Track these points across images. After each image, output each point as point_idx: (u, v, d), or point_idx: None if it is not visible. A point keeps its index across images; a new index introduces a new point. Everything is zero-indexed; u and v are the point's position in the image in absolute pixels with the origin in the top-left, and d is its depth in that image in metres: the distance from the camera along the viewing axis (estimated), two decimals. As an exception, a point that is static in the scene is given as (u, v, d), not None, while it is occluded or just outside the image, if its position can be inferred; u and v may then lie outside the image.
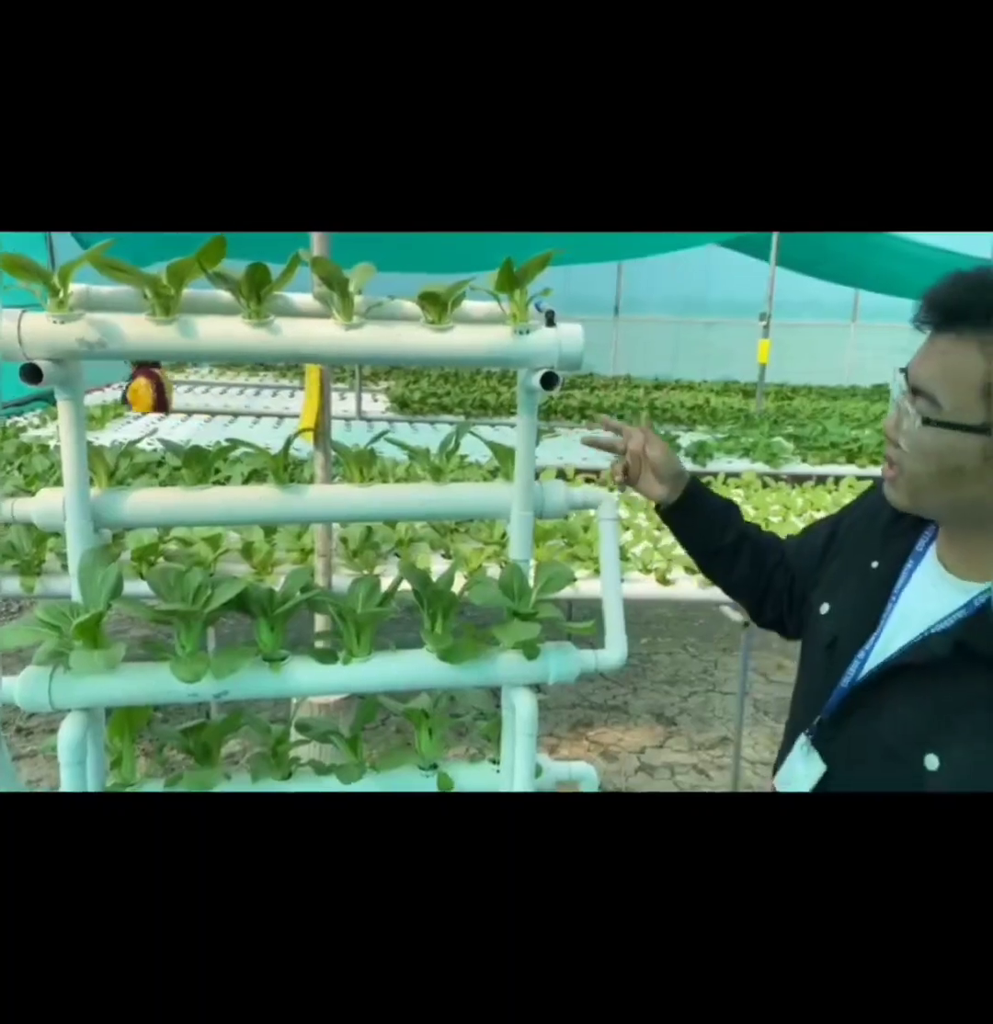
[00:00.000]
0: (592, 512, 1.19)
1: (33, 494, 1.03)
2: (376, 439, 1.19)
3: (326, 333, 0.99)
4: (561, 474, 3.42)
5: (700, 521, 1.13)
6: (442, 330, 1.02)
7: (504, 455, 1.16)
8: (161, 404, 4.85)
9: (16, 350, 0.91)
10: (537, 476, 1.14)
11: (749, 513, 3.10)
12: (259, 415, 5.13)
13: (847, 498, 3.49)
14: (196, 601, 1.00)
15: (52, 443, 3.39)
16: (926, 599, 0.88)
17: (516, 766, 1.09)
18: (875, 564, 0.95)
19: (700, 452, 4.15)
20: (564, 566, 1.14)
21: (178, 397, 5.72)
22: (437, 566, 2.39)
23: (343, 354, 1.02)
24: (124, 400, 4.83)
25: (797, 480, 3.89)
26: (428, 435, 4.51)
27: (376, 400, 5.84)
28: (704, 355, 8.61)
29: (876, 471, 4.03)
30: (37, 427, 4.18)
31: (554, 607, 1.09)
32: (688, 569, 2.66)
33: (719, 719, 3.56)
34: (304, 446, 2.57)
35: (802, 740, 0.97)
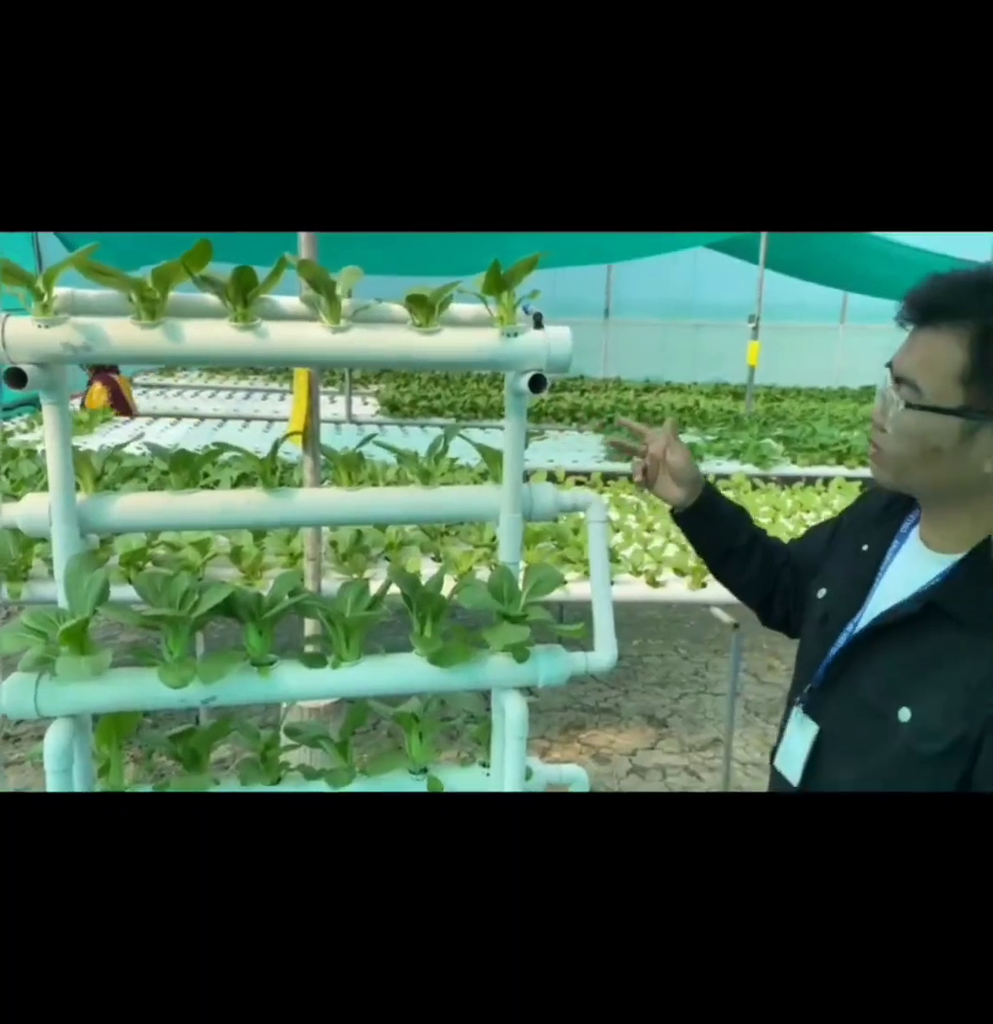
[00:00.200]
0: (582, 515, 1.19)
1: (19, 499, 1.03)
2: (364, 442, 1.19)
3: (313, 336, 0.99)
4: (551, 477, 3.42)
5: (714, 524, 1.19)
6: (429, 333, 1.02)
7: (492, 458, 1.16)
8: (122, 409, 4.86)
9: (0, 354, 0.90)
10: (527, 479, 1.14)
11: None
12: (248, 419, 5.11)
13: (836, 499, 3.51)
14: (183, 606, 0.99)
15: (39, 448, 3.37)
16: (907, 573, 0.96)
17: (506, 769, 1.09)
18: (865, 547, 1.03)
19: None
20: (553, 569, 1.13)
21: (167, 401, 5.71)
22: (427, 569, 2.39)
23: (330, 357, 1.02)
24: (82, 406, 4.84)
25: (786, 481, 3.91)
26: (419, 438, 4.51)
27: (366, 403, 5.83)
28: (694, 357, 8.63)
29: (865, 472, 4.05)
30: (25, 432, 4.16)
31: (544, 610, 1.08)
32: (678, 571, 2.67)
33: (710, 721, 3.57)
34: (294, 450, 2.56)
35: (796, 710, 1.04)
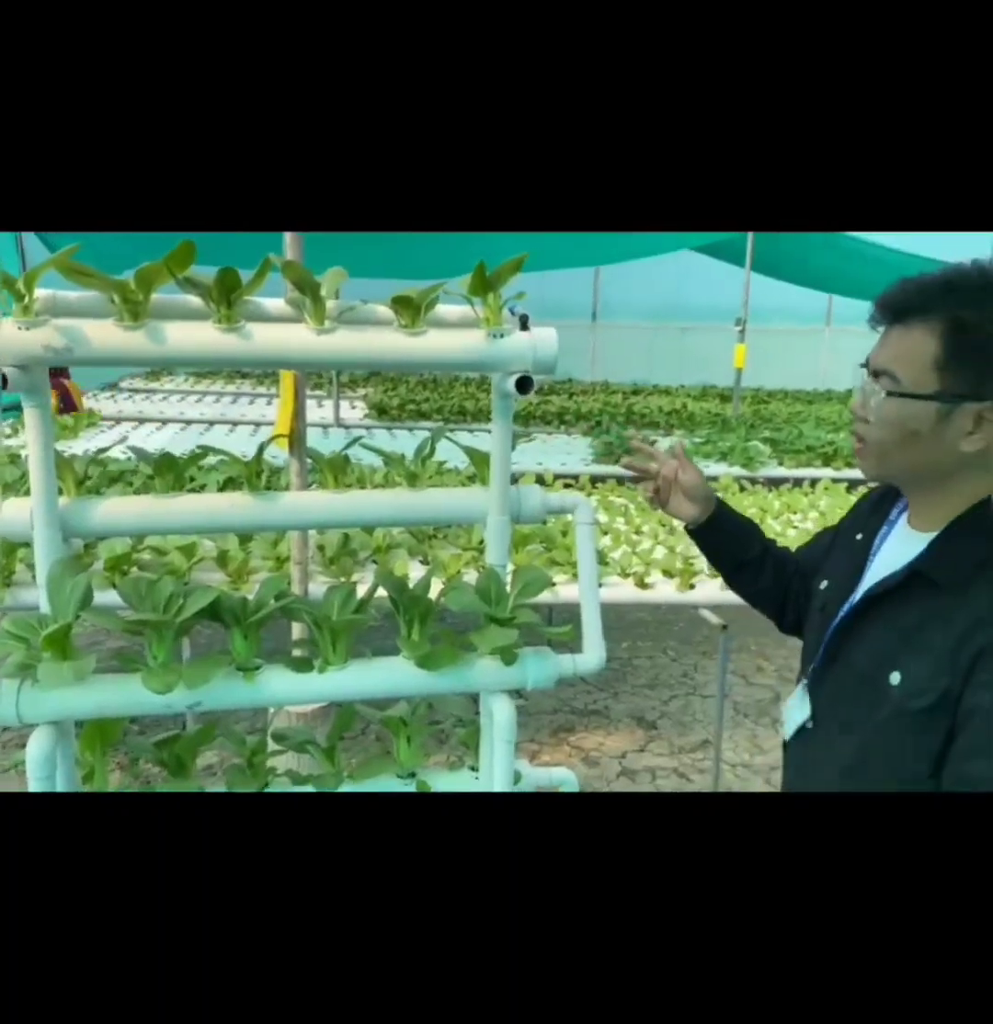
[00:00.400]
0: (570, 517, 1.19)
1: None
2: (350, 445, 1.18)
3: (298, 338, 0.98)
4: (539, 479, 3.42)
5: (727, 538, 1.26)
6: (415, 334, 1.01)
7: (480, 460, 1.15)
8: (70, 410, 4.89)
9: (-20, 357, 0.89)
10: (515, 481, 1.13)
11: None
12: (235, 423, 5.08)
13: (823, 501, 3.53)
14: (167, 611, 0.98)
15: (23, 453, 3.34)
16: (895, 553, 1.04)
17: (495, 773, 1.08)
18: (859, 536, 1.11)
19: (678, 456, 4.16)
20: (541, 571, 1.13)
21: (152, 405, 5.67)
22: (415, 572, 2.38)
23: (315, 358, 1.01)
24: None
25: (774, 483, 3.92)
26: (407, 442, 4.47)
27: (354, 407, 5.82)
28: (681, 360, 8.65)
29: (852, 473, 4.07)
30: (9, 437, 4.12)
31: (532, 612, 1.08)
32: (666, 572, 2.67)
33: (700, 722, 3.57)
34: (281, 454, 2.55)
35: (799, 688, 1.11)
